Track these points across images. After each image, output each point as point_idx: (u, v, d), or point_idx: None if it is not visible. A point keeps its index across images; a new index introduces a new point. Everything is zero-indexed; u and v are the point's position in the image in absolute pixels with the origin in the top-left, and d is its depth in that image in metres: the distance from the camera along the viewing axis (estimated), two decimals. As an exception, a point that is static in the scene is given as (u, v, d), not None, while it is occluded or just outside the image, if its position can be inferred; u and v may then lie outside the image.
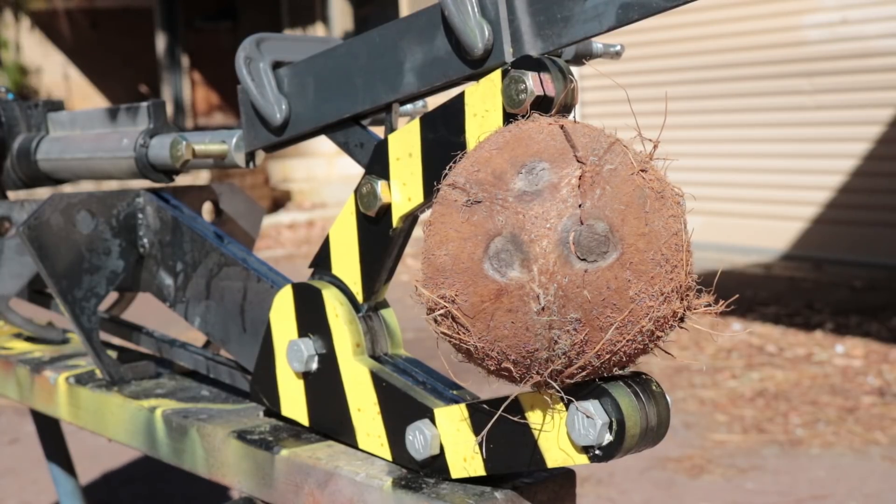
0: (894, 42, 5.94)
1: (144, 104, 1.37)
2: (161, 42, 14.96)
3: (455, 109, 0.91)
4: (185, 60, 15.13)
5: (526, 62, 0.86)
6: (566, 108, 0.86)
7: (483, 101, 0.88)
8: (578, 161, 0.77)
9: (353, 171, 10.68)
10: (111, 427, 1.32)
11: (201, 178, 8.90)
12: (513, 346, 0.77)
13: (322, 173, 11.16)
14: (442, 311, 0.80)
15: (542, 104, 0.85)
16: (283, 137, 1.12)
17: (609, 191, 0.76)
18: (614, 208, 0.75)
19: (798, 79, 6.39)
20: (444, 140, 0.91)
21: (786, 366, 4.31)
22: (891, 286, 5.69)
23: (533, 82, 0.84)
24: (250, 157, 1.19)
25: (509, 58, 0.88)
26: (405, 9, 9.50)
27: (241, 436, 1.12)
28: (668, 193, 0.77)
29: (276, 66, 1.12)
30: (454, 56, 0.92)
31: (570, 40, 0.85)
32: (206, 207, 1.44)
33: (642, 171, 0.77)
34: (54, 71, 15.56)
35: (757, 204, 6.71)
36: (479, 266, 0.78)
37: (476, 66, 0.90)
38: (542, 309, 0.75)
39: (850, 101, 6.18)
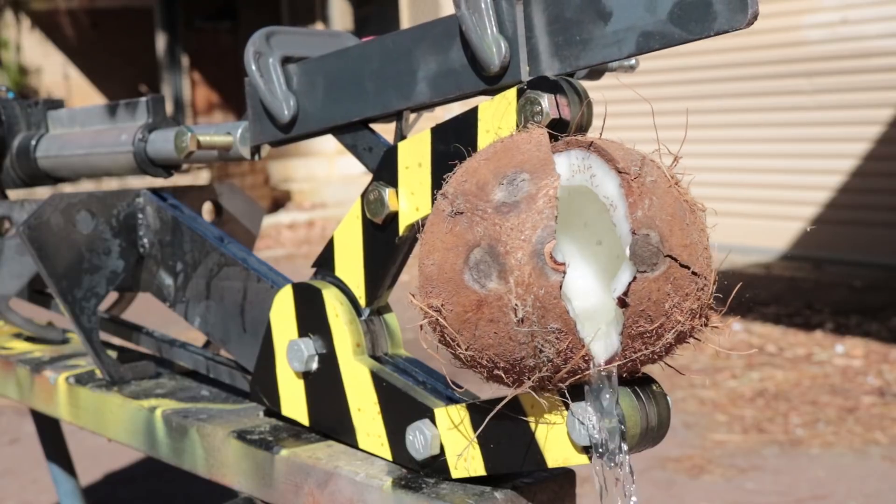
0: (894, 42, 5.93)
1: (143, 99, 1.37)
2: (161, 42, 14.96)
3: (468, 123, 0.90)
4: (185, 60, 15.13)
5: (542, 83, 0.84)
6: (581, 131, 0.85)
7: (496, 118, 0.87)
8: (621, 172, 0.76)
9: (353, 171, 10.69)
10: (111, 427, 1.31)
11: (201, 178, 8.90)
12: (500, 355, 0.78)
13: (322, 173, 11.15)
14: (431, 320, 0.80)
15: (557, 126, 0.84)
16: (289, 135, 1.11)
17: (656, 201, 0.76)
18: (663, 218, 0.75)
19: (798, 79, 6.39)
20: (454, 153, 0.90)
21: (786, 366, 4.31)
22: (891, 286, 5.69)
23: (549, 104, 0.83)
24: (255, 149, 1.18)
25: (525, 76, 0.87)
26: (405, 9, 9.50)
27: (241, 436, 1.11)
28: (696, 207, 0.78)
29: (286, 60, 1.11)
30: (469, 70, 0.91)
31: (588, 63, 0.83)
32: (206, 207, 1.43)
33: (676, 183, 0.77)
34: (54, 71, 15.55)
35: (757, 204, 6.71)
36: (460, 277, 0.78)
37: (491, 83, 0.89)
38: (522, 320, 0.75)
39: (850, 101, 6.17)
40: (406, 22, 9.45)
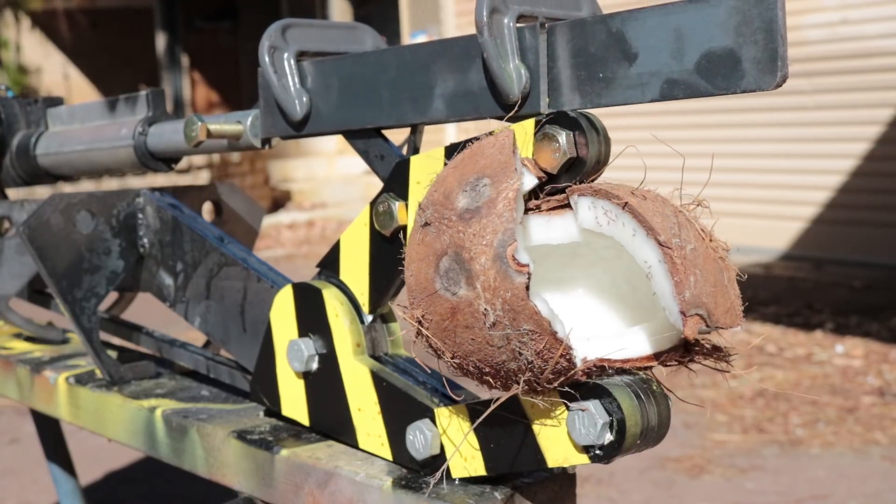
0: (894, 42, 5.93)
1: (143, 93, 1.36)
2: (161, 42, 14.96)
3: None
4: (184, 60, 15.14)
5: (561, 119, 0.83)
6: (599, 169, 0.84)
7: None
8: (663, 246, 0.75)
9: (354, 170, 10.68)
10: (111, 427, 1.31)
11: (201, 178, 8.90)
12: (482, 360, 0.79)
13: (322, 173, 11.15)
14: (416, 331, 0.82)
15: (575, 165, 0.82)
16: (301, 132, 1.10)
17: (699, 275, 0.75)
18: (708, 292, 0.75)
19: (798, 79, 6.39)
20: None
21: (786, 366, 4.31)
22: (891, 286, 5.69)
23: (566, 142, 0.81)
24: (266, 139, 1.17)
25: (545, 108, 0.85)
26: (405, 8, 9.49)
27: (241, 436, 1.11)
28: (725, 254, 0.78)
29: (301, 54, 1.10)
30: (488, 94, 0.89)
31: (610, 103, 0.81)
32: (207, 207, 1.43)
33: (710, 239, 0.77)
34: (54, 71, 15.56)
35: (757, 204, 6.71)
36: (432, 286, 0.79)
37: (509, 111, 0.87)
38: (494, 324, 0.76)
39: (850, 101, 6.17)
40: (406, 22, 9.45)
